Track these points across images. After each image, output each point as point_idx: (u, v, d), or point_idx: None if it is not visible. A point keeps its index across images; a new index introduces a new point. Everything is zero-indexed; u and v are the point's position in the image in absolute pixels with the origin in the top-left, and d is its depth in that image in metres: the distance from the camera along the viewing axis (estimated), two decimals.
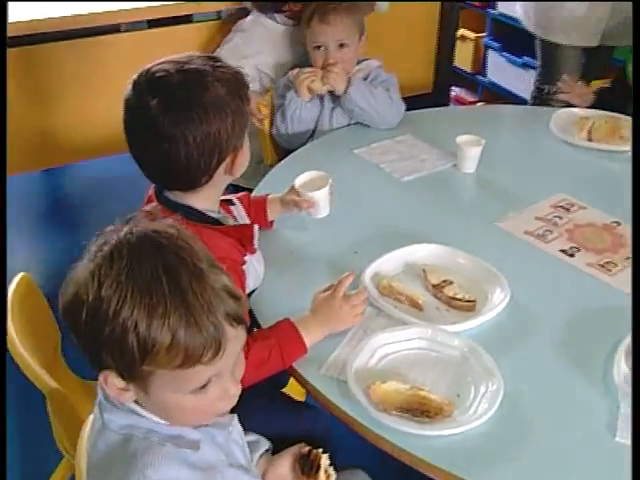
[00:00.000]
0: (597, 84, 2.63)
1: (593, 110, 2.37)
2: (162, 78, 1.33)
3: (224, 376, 0.99)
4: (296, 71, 2.23)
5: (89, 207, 3.29)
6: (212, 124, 1.35)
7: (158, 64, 1.36)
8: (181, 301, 0.92)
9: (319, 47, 2.26)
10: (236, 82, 1.39)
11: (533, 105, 2.92)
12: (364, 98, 2.22)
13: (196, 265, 0.96)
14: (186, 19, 2.75)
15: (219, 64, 1.39)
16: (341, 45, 2.25)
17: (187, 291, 0.93)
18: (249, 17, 2.59)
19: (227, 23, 2.70)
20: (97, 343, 0.93)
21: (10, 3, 2.03)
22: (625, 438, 1.22)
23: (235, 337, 0.97)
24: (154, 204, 1.45)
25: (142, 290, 0.91)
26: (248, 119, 1.44)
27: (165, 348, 0.92)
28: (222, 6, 2.75)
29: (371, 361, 1.35)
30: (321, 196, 1.71)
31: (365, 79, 2.32)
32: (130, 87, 1.36)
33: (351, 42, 2.27)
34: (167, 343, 0.92)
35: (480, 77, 4.17)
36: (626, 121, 2.25)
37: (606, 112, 2.33)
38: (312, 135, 2.31)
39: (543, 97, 2.86)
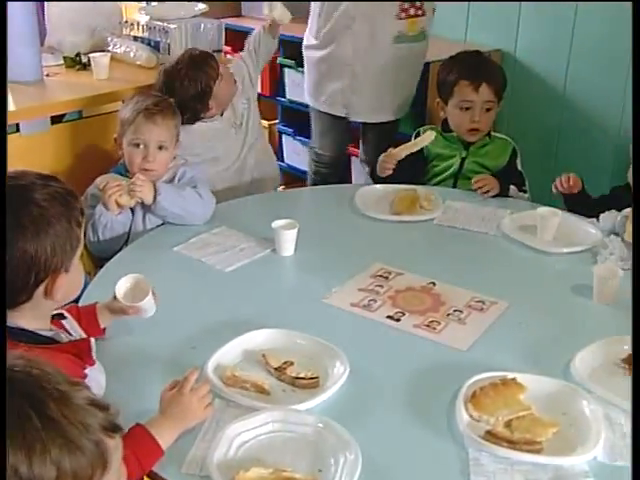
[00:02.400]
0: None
1: (392, 185, 2.54)
2: None
3: None
4: (103, 184, 2.20)
5: None
6: (29, 243, 1.32)
7: None
8: (56, 431, 0.88)
9: (139, 145, 2.29)
10: (66, 203, 1.37)
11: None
12: (174, 203, 2.24)
13: (58, 389, 0.93)
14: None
15: (52, 183, 1.37)
16: (160, 147, 2.29)
17: (59, 419, 0.89)
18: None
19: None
20: None
21: None
22: None
23: (116, 446, 0.95)
24: None
25: (14, 432, 0.87)
26: (77, 242, 1.42)
27: None
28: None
29: (230, 452, 1.35)
30: (145, 302, 1.70)
31: (172, 180, 2.36)
32: None
33: (169, 145, 2.32)
34: (54, 476, 0.88)
35: (279, 162, 4.31)
36: (424, 191, 2.44)
37: (404, 186, 2.50)
38: (127, 239, 2.30)
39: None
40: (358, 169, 3.77)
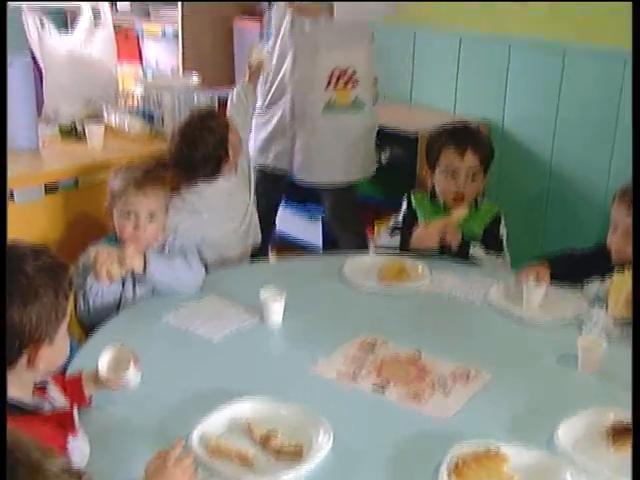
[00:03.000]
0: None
1: (379, 256, 2.58)
2: None
3: None
4: (94, 254, 2.21)
5: None
6: (15, 312, 1.35)
7: None
8: None
9: (129, 215, 2.32)
10: (55, 276, 1.40)
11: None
12: (164, 273, 2.26)
13: (30, 458, 0.94)
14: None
15: (43, 255, 1.41)
16: (151, 216, 2.33)
17: None
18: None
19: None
20: None
21: None
22: None
23: None
24: None
25: None
26: (63, 315, 1.44)
27: None
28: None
29: None
30: (127, 374, 1.71)
31: (162, 249, 2.39)
32: None
33: (160, 215, 2.36)
34: None
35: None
36: (411, 262, 2.48)
37: (391, 256, 2.54)
38: (117, 308, 2.31)
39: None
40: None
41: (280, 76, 3.17)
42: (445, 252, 2.59)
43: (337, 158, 3.24)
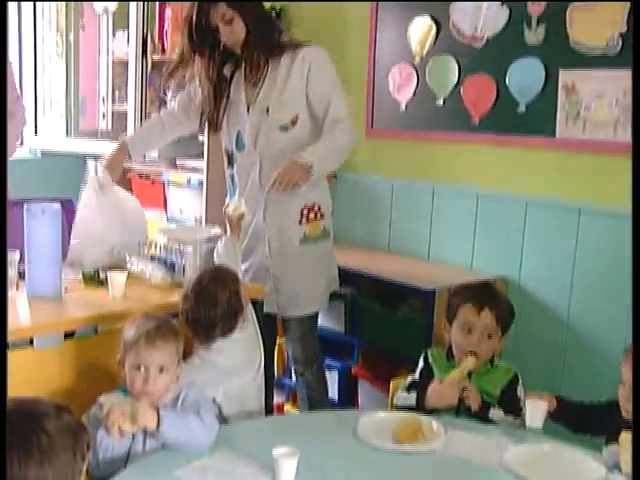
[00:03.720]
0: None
1: (395, 413, 2.56)
2: None
3: None
4: (106, 409, 2.21)
5: None
6: (31, 469, 1.36)
7: None
8: None
9: (140, 368, 2.33)
10: (75, 437, 1.42)
11: None
12: (177, 431, 2.24)
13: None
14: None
15: (66, 414, 1.43)
16: (161, 369, 2.34)
17: None
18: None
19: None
20: None
21: None
22: None
23: None
24: None
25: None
26: (79, 475, 1.46)
27: None
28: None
29: None
30: None
31: (175, 402, 2.38)
32: None
33: (171, 368, 2.37)
34: None
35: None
36: (426, 421, 2.45)
37: (407, 414, 2.52)
38: (126, 461, 2.28)
39: None
40: (365, 390, 3.79)
41: (254, 223, 3.38)
42: (462, 413, 2.56)
43: (319, 284, 3.44)
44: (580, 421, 2.46)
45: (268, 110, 3.27)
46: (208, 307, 2.67)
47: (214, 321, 2.67)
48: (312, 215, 3.38)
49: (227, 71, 3.38)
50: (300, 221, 3.36)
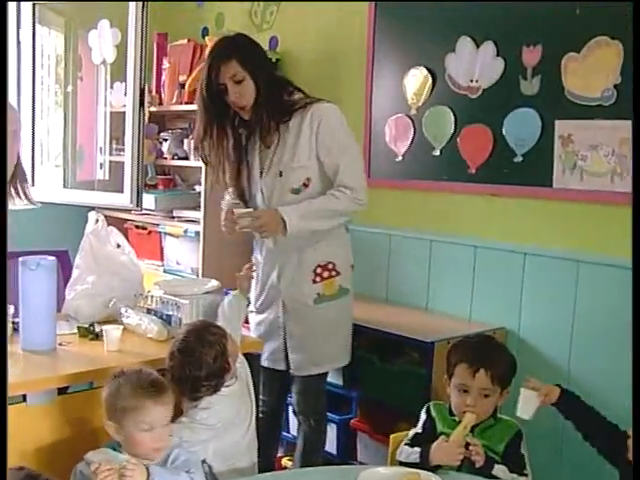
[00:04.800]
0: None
1: (395, 468, 2.50)
2: None
3: None
4: (94, 467, 2.17)
5: None
6: None
7: None
8: None
9: (148, 427, 2.31)
10: None
11: None
12: None
13: None
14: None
15: None
16: (151, 426, 2.32)
17: None
18: None
19: None
20: None
21: None
22: None
23: None
24: None
25: None
26: None
27: None
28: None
29: None
30: None
31: (165, 462, 2.33)
32: None
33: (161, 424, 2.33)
34: None
35: None
36: (425, 476, 2.39)
37: (407, 469, 2.46)
38: None
39: None
40: (364, 443, 3.73)
41: (271, 281, 3.36)
42: (465, 468, 2.51)
43: (335, 342, 3.39)
44: (586, 423, 2.49)
45: (281, 174, 3.24)
46: (193, 367, 2.63)
47: (199, 381, 2.63)
48: (326, 273, 3.30)
49: (242, 136, 3.35)
50: (314, 280, 3.30)
